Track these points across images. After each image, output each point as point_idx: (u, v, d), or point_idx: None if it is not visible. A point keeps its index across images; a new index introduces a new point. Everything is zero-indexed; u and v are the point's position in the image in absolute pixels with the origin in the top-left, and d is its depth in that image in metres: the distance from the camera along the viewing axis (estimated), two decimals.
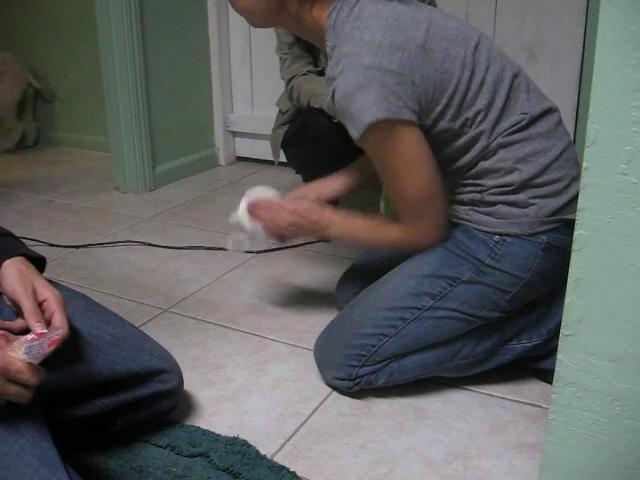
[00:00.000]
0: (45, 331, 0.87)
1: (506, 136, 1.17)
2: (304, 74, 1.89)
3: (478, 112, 1.16)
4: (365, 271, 1.48)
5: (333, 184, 1.47)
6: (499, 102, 1.16)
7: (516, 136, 1.17)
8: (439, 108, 1.14)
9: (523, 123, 1.17)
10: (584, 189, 0.74)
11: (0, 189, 2.57)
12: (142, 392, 1.08)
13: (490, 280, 1.20)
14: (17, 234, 2.22)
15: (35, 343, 0.82)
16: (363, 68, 1.09)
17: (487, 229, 1.19)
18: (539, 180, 1.17)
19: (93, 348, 1.03)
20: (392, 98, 1.09)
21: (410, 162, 1.14)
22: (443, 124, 1.15)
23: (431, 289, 1.21)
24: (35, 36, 3.11)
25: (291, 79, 1.90)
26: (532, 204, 1.17)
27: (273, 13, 1.21)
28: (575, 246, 0.76)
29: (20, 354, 0.80)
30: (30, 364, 0.81)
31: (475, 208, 1.21)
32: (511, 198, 1.17)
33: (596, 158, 0.72)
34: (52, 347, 0.83)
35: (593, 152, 0.72)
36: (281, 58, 1.94)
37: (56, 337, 0.84)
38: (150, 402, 1.11)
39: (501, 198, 1.18)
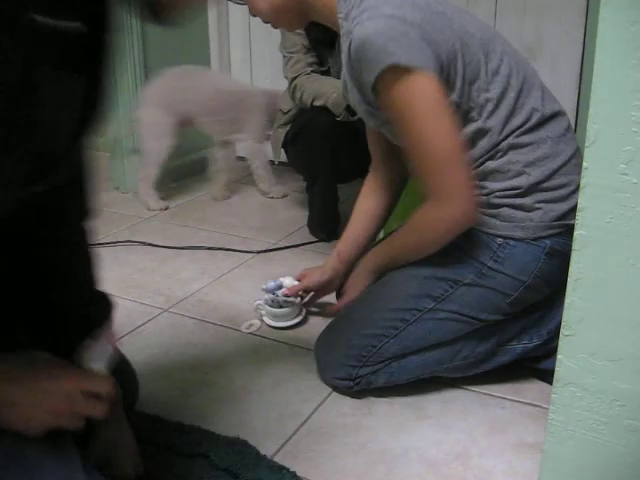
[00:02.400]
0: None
1: (517, 137, 1.15)
2: (308, 74, 1.88)
3: (488, 100, 1.14)
4: None
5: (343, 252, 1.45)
6: (511, 96, 1.14)
7: (527, 138, 1.16)
8: (453, 76, 1.12)
9: (533, 121, 1.16)
10: (584, 189, 0.73)
11: None
12: None
13: (492, 283, 1.19)
14: None
15: (97, 347, 0.79)
16: (385, 17, 1.07)
17: (490, 231, 1.19)
18: (546, 185, 1.16)
19: None
20: (414, 48, 1.07)
21: (432, 112, 1.09)
22: (454, 97, 1.13)
23: (432, 291, 1.21)
24: None
25: (295, 78, 1.89)
26: (537, 208, 1.16)
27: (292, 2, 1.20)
28: (575, 246, 0.76)
29: (91, 365, 0.79)
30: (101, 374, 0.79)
31: (479, 210, 1.19)
32: (517, 202, 1.17)
33: (596, 158, 0.72)
34: (114, 344, 0.81)
35: (593, 152, 0.72)
36: (285, 56, 1.93)
37: (111, 332, 0.81)
38: None
39: (507, 201, 1.17)
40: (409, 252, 1.24)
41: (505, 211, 1.17)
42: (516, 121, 1.15)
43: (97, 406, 0.79)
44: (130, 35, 2.36)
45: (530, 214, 1.17)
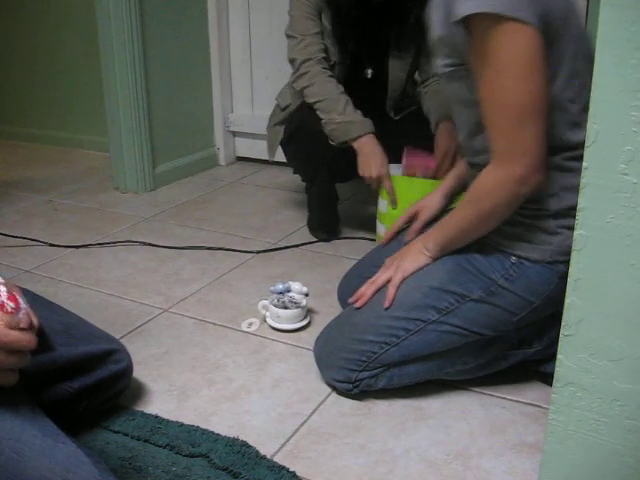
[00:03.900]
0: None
1: (566, 160, 1.09)
2: (319, 60, 1.83)
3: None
4: (368, 272, 1.47)
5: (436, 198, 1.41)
6: (577, 108, 1.07)
7: (573, 164, 1.08)
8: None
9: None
10: (584, 189, 0.74)
11: (0, 189, 2.58)
12: (101, 373, 1.15)
13: (499, 301, 1.16)
14: (17, 234, 2.21)
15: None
16: None
17: (505, 249, 1.15)
18: (574, 211, 1.13)
19: (48, 336, 1.07)
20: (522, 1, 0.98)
21: (522, 66, 0.99)
22: None
23: (438, 303, 1.19)
24: (35, 35, 3.11)
25: (305, 61, 1.83)
26: (559, 233, 1.12)
27: None
28: (575, 246, 0.76)
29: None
30: (21, 329, 0.82)
31: (499, 225, 1.14)
32: (541, 223, 1.12)
33: (596, 158, 0.72)
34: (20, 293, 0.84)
35: (593, 152, 0.72)
36: (294, 38, 1.86)
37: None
38: (110, 382, 1.17)
39: (529, 221, 1.13)
40: (470, 227, 1.14)
41: (526, 230, 1.13)
42: (575, 137, 1.07)
43: (21, 361, 0.84)
44: (130, 35, 2.36)
45: (550, 237, 1.13)
